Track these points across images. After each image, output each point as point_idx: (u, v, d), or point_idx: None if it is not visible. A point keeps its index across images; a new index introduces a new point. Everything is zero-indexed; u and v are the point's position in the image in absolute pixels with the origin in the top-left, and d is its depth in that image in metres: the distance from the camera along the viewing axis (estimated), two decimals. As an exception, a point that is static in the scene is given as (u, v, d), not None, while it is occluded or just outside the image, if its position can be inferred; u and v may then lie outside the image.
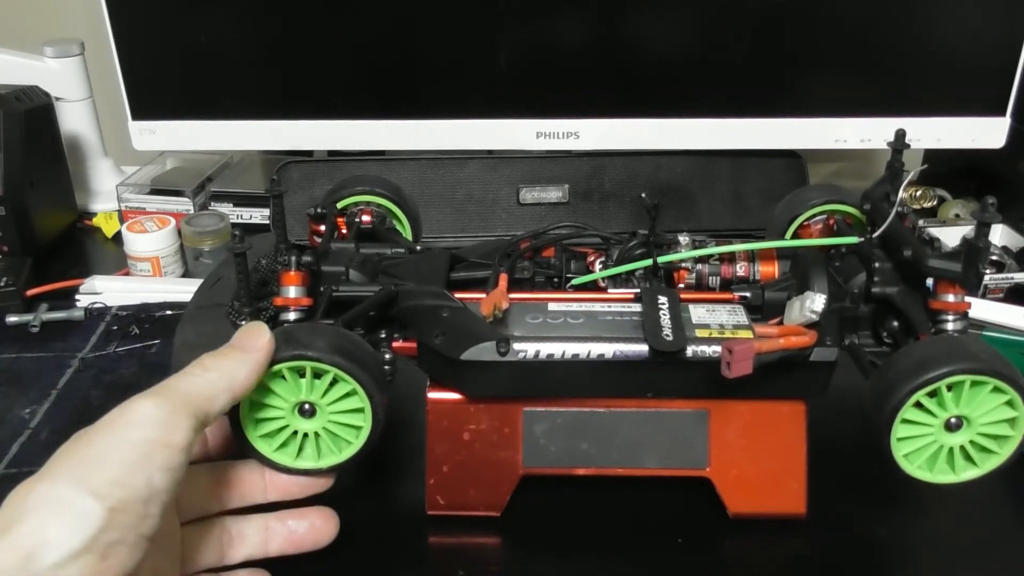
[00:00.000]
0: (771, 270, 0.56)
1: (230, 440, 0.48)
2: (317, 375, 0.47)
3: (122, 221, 0.93)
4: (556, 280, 0.57)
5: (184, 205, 0.93)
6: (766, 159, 0.89)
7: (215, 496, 0.47)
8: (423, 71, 0.83)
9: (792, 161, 0.90)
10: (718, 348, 0.47)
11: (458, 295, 0.52)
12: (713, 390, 0.49)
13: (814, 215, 0.63)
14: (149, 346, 0.72)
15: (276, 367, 0.46)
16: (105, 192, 1.00)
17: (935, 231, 0.84)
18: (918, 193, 0.96)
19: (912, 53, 0.82)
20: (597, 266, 0.57)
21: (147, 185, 0.96)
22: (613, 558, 0.52)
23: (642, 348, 0.48)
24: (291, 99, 0.85)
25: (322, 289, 0.54)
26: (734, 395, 0.50)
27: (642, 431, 0.52)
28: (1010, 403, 0.47)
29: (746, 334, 0.49)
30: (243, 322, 0.54)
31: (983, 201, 0.49)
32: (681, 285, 0.56)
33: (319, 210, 0.60)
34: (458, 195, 0.89)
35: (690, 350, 0.48)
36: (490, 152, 0.89)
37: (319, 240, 0.59)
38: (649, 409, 0.52)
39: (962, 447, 0.48)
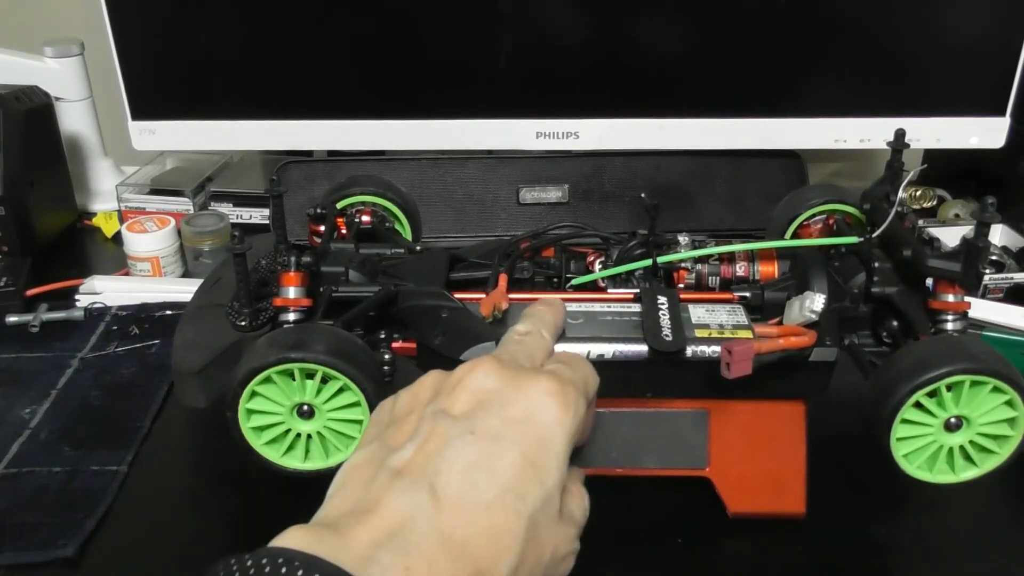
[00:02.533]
0: (771, 270, 0.56)
1: None
2: (310, 376, 0.47)
3: (122, 221, 0.93)
4: (556, 280, 0.57)
5: (184, 205, 0.93)
6: (766, 159, 0.89)
7: None
8: (423, 71, 0.83)
9: (792, 161, 0.90)
10: (718, 348, 0.47)
11: (458, 295, 0.52)
12: (713, 390, 0.49)
13: (814, 215, 0.63)
14: (149, 346, 0.72)
15: (267, 371, 0.46)
16: (105, 192, 1.00)
17: (935, 231, 0.84)
18: (918, 193, 0.96)
19: (912, 53, 0.82)
20: (597, 266, 0.57)
21: (147, 185, 0.96)
22: (613, 558, 0.52)
23: (642, 348, 0.48)
24: (291, 99, 0.85)
25: (322, 289, 0.54)
26: (734, 395, 0.50)
27: (642, 431, 0.52)
28: (1010, 403, 0.47)
29: (746, 334, 0.49)
30: (243, 322, 0.54)
31: (983, 201, 0.49)
32: (681, 285, 0.56)
33: (319, 210, 0.60)
34: (458, 195, 0.89)
35: (690, 350, 0.48)
36: (490, 152, 0.89)
37: (319, 240, 0.59)
38: (649, 409, 0.52)
39: (962, 447, 0.48)
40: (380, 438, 0.37)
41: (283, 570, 0.29)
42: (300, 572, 0.29)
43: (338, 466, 0.48)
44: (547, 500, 0.35)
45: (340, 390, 0.47)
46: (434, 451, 0.34)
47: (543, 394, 0.36)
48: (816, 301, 0.48)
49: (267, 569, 0.29)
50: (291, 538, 0.31)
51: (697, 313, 0.51)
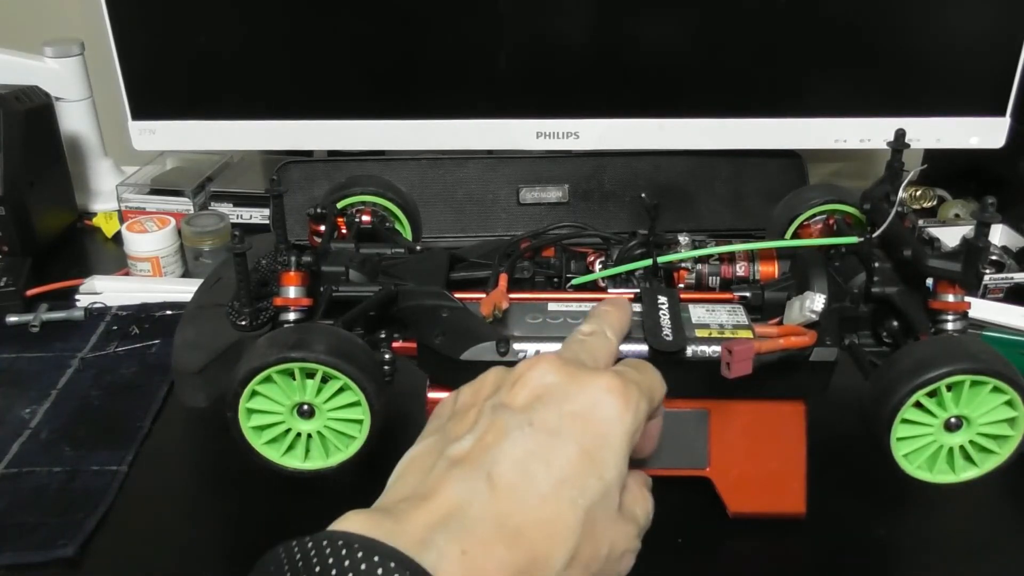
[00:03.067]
0: (771, 270, 0.56)
1: None
2: (310, 375, 0.47)
3: (122, 221, 0.93)
4: (556, 280, 0.57)
5: (184, 205, 0.93)
6: (766, 159, 0.89)
7: None
8: (423, 71, 0.83)
9: (792, 161, 0.90)
10: (718, 348, 0.47)
11: (458, 295, 0.52)
12: (713, 390, 0.49)
13: (814, 215, 0.63)
14: (149, 346, 0.72)
15: (267, 371, 0.46)
16: (105, 192, 1.00)
17: (935, 231, 0.84)
18: (918, 193, 0.96)
19: (912, 53, 0.82)
20: (597, 266, 0.57)
21: (147, 185, 0.96)
22: (613, 558, 0.52)
23: (642, 348, 0.48)
24: (291, 99, 0.85)
25: (322, 289, 0.54)
26: (734, 395, 0.50)
27: (642, 431, 0.52)
28: (1010, 403, 0.47)
29: (746, 334, 0.49)
30: (243, 322, 0.54)
31: (983, 201, 0.49)
32: (681, 285, 0.56)
33: (319, 210, 0.60)
34: (458, 195, 0.89)
35: (690, 350, 0.48)
36: (490, 152, 0.89)
37: (319, 240, 0.59)
38: (649, 409, 0.52)
39: (962, 447, 0.48)
40: (441, 430, 0.37)
41: (343, 552, 0.30)
42: (360, 555, 0.30)
43: (338, 466, 0.49)
44: (605, 494, 0.35)
45: (340, 390, 0.47)
46: (492, 442, 0.35)
47: (603, 391, 0.36)
48: (816, 301, 0.48)
49: (328, 551, 0.30)
50: (349, 522, 0.32)
51: (697, 313, 0.51)
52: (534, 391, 0.36)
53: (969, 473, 0.49)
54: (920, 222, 0.86)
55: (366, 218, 0.64)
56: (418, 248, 0.60)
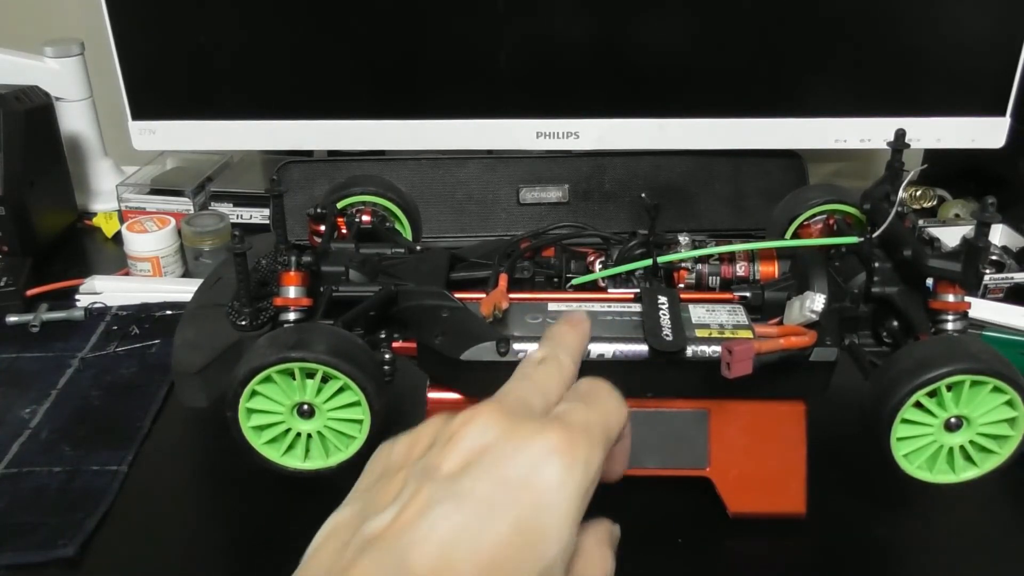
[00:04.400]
0: (771, 270, 0.56)
1: None
2: (310, 375, 0.47)
3: (122, 221, 0.93)
4: (556, 280, 0.57)
5: (184, 205, 0.93)
6: (766, 159, 0.89)
7: None
8: (423, 71, 0.83)
9: (792, 161, 0.90)
10: (718, 348, 0.47)
11: (458, 295, 0.52)
12: (713, 390, 0.49)
13: (814, 215, 0.63)
14: (149, 346, 0.72)
15: (267, 371, 0.46)
16: (105, 192, 1.00)
17: (935, 231, 0.84)
18: (918, 193, 0.96)
19: (912, 53, 0.82)
20: (597, 266, 0.57)
21: (147, 185, 0.96)
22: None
23: (642, 348, 0.48)
24: (291, 99, 0.85)
25: (322, 289, 0.54)
26: (734, 395, 0.50)
27: (642, 431, 0.52)
28: (1010, 403, 0.47)
29: (746, 334, 0.49)
30: (243, 322, 0.54)
31: (983, 201, 0.49)
32: (681, 285, 0.56)
33: (319, 210, 0.60)
34: (458, 195, 0.89)
35: (690, 350, 0.48)
36: (490, 152, 0.89)
37: (319, 240, 0.59)
38: (649, 409, 0.52)
39: (962, 447, 0.48)
40: (368, 493, 0.33)
41: None
42: None
43: (338, 466, 0.49)
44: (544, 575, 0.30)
45: (340, 389, 0.47)
46: (413, 519, 0.30)
47: (546, 452, 0.31)
48: (816, 301, 0.48)
49: None
50: None
51: (697, 313, 0.51)
52: (466, 454, 0.31)
53: (969, 473, 0.49)
54: (920, 222, 0.86)
55: (366, 218, 0.64)
56: (418, 248, 0.60)
